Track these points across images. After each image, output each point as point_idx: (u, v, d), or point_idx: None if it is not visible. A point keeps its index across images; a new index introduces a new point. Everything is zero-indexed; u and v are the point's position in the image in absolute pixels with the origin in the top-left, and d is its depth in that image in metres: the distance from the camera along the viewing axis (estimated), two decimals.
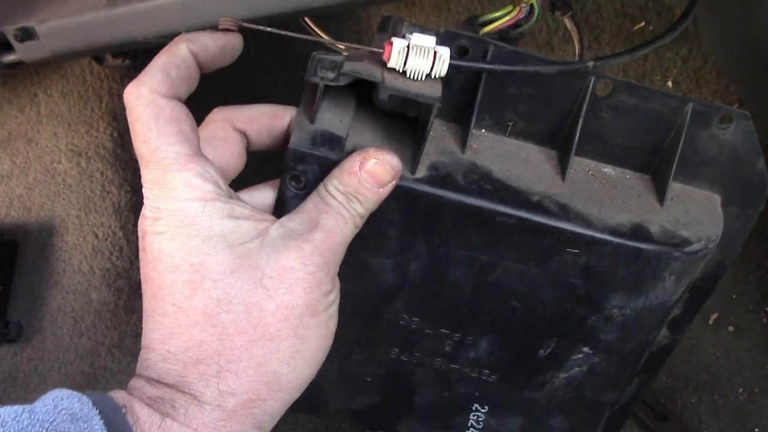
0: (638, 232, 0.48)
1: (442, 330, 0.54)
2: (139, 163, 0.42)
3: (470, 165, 0.48)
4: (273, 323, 0.41)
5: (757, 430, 1.07)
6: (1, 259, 1.17)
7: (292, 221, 0.44)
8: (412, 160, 0.46)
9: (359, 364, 0.57)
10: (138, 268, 0.43)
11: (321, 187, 0.45)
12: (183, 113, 0.43)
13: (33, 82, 1.19)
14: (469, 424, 0.60)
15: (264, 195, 0.48)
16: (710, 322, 1.11)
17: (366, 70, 0.43)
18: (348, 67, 0.43)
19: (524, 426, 0.59)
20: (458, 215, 0.47)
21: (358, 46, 0.45)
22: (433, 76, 0.43)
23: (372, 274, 0.51)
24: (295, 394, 0.44)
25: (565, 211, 0.47)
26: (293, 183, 0.46)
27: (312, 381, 0.45)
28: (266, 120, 0.48)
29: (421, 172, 0.47)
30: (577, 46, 0.74)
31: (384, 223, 0.48)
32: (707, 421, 1.08)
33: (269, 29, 0.44)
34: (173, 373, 0.41)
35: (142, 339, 0.43)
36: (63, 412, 0.37)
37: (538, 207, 0.47)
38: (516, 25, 0.55)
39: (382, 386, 0.58)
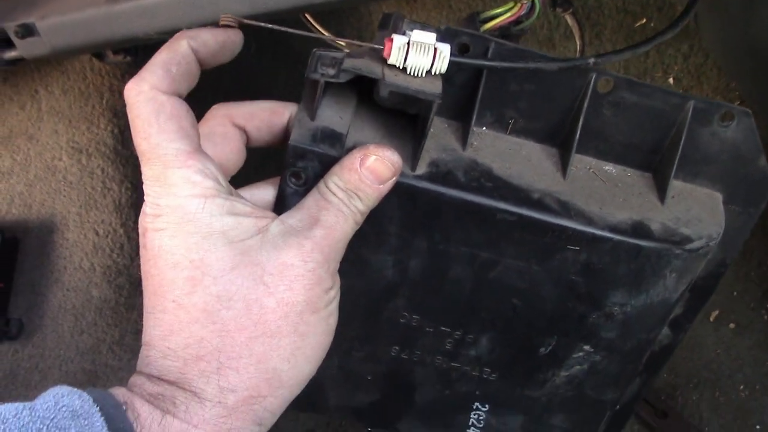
0: (639, 229, 0.48)
1: (443, 328, 0.54)
2: (140, 159, 0.42)
3: (471, 162, 0.48)
4: (273, 320, 0.41)
5: (758, 427, 1.07)
6: (2, 256, 1.17)
7: (292, 218, 0.44)
8: (412, 157, 0.46)
9: (359, 361, 0.57)
10: (139, 265, 0.43)
11: (321, 184, 0.45)
12: (183, 110, 0.43)
13: (34, 79, 1.18)
14: (470, 423, 0.60)
15: (264, 192, 0.48)
16: (711, 320, 1.11)
17: (366, 66, 0.43)
18: (348, 63, 0.43)
19: (525, 424, 0.59)
20: (459, 212, 0.47)
21: (358, 43, 0.45)
22: (433, 73, 0.43)
23: (372, 271, 0.51)
24: (296, 390, 0.44)
25: (565, 209, 0.47)
26: (293, 179, 0.46)
27: (312, 378, 0.45)
28: (266, 116, 0.48)
29: (422, 169, 0.47)
30: (578, 43, 0.74)
31: (384, 220, 0.48)
32: (708, 418, 1.08)
33: (270, 25, 0.44)
34: (174, 370, 0.41)
35: (143, 336, 0.43)
36: (63, 409, 0.37)
37: (539, 204, 0.47)
38: (517, 21, 0.55)
39: (383, 384, 0.58)
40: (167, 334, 0.41)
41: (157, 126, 0.41)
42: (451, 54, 0.43)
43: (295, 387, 0.44)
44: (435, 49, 0.43)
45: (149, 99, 0.41)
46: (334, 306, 0.45)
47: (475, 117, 0.48)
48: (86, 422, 0.36)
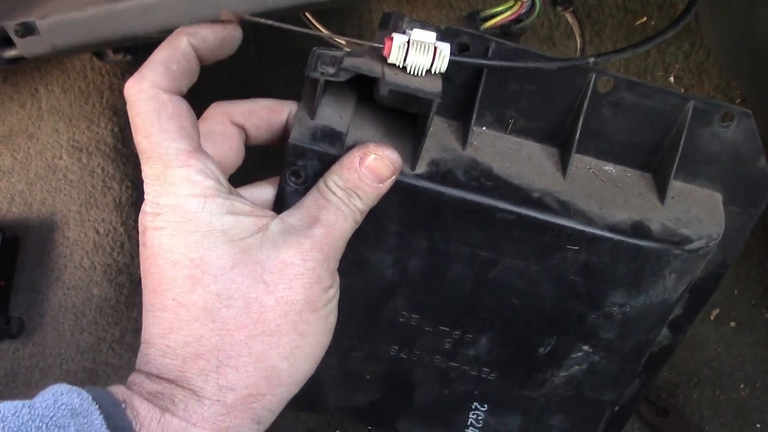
0: (638, 229, 0.48)
1: (442, 327, 0.54)
2: (140, 158, 0.42)
3: (471, 161, 0.48)
4: (273, 318, 0.41)
5: (758, 425, 1.07)
6: (2, 254, 1.17)
7: (292, 217, 0.44)
8: (412, 156, 0.46)
9: (358, 360, 0.57)
10: (139, 264, 0.43)
11: (321, 183, 0.45)
12: (184, 108, 0.43)
13: (34, 78, 1.18)
14: (469, 423, 0.60)
15: (264, 191, 0.48)
16: (712, 318, 1.11)
17: (366, 65, 0.43)
18: (348, 62, 0.43)
19: (524, 424, 0.59)
20: (458, 211, 0.47)
21: (358, 42, 0.45)
22: (433, 72, 0.43)
23: (372, 270, 0.51)
24: (294, 389, 0.44)
25: (565, 208, 0.47)
26: (293, 178, 0.46)
27: (311, 378, 0.45)
28: (265, 114, 0.48)
29: (421, 168, 0.47)
30: (578, 41, 0.74)
31: (384, 219, 0.48)
32: (709, 416, 1.08)
33: (270, 22, 0.43)
34: (173, 368, 0.41)
35: (142, 334, 0.43)
36: (63, 407, 0.37)
37: (539, 204, 0.47)
38: (518, 20, 0.55)
39: (382, 383, 0.58)
40: (167, 332, 0.41)
41: (158, 125, 0.41)
42: (451, 53, 0.43)
43: (294, 385, 0.44)
44: (435, 48, 0.43)
45: (150, 97, 0.41)
46: (334, 305, 0.45)
47: (475, 116, 0.48)
48: (85, 420, 0.37)
